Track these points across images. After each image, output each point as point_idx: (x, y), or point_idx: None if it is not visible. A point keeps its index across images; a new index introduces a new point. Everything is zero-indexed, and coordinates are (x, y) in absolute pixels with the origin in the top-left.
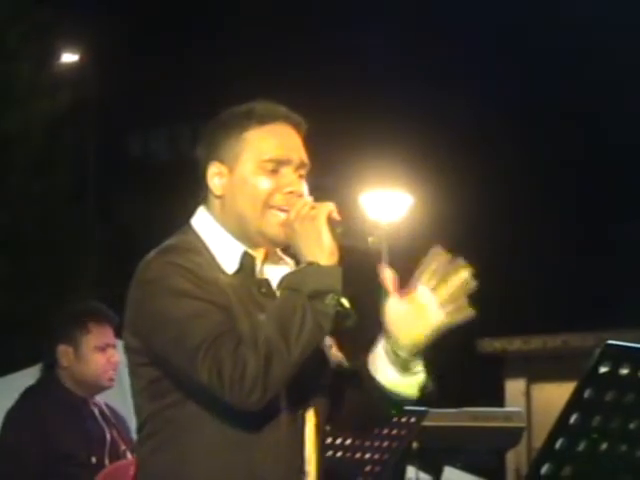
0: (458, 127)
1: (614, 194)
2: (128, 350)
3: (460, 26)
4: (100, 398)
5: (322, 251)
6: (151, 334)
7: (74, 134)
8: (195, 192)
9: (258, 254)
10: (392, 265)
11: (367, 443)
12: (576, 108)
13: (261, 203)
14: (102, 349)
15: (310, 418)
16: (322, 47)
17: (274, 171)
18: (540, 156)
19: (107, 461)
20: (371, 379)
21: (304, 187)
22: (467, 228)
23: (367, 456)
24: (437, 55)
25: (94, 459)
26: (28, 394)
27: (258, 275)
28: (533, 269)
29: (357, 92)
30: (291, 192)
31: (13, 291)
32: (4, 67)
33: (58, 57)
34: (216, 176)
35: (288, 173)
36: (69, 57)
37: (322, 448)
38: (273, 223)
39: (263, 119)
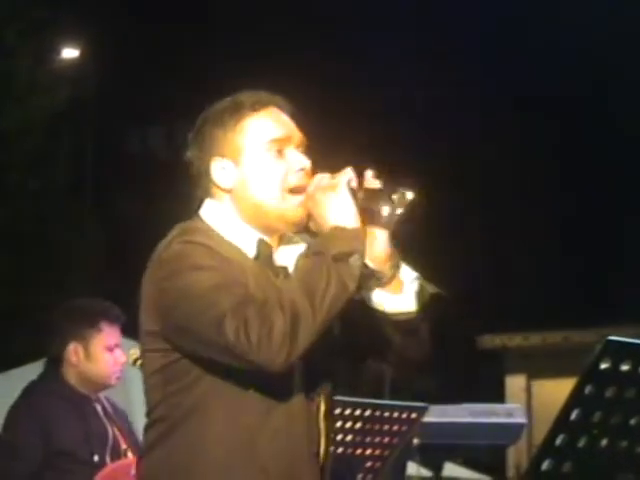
0: (459, 123)
1: (617, 191)
2: (144, 334)
3: (461, 20)
4: (102, 393)
5: (345, 215)
6: (172, 308)
7: (73, 131)
8: (192, 190)
9: (272, 241)
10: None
11: (368, 439)
12: (580, 106)
13: (277, 187)
14: (111, 349)
15: (320, 403)
16: (321, 46)
17: (279, 152)
18: (543, 152)
19: (108, 459)
20: (369, 310)
21: (309, 162)
22: (468, 224)
23: (368, 452)
24: (441, 54)
25: (96, 457)
26: (30, 390)
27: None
28: (533, 265)
29: (359, 87)
30: (302, 169)
31: (12, 287)
32: (3, 63)
33: (57, 53)
34: (221, 171)
35: (293, 152)
36: (68, 53)
37: (331, 433)
38: (293, 205)
39: (255, 106)
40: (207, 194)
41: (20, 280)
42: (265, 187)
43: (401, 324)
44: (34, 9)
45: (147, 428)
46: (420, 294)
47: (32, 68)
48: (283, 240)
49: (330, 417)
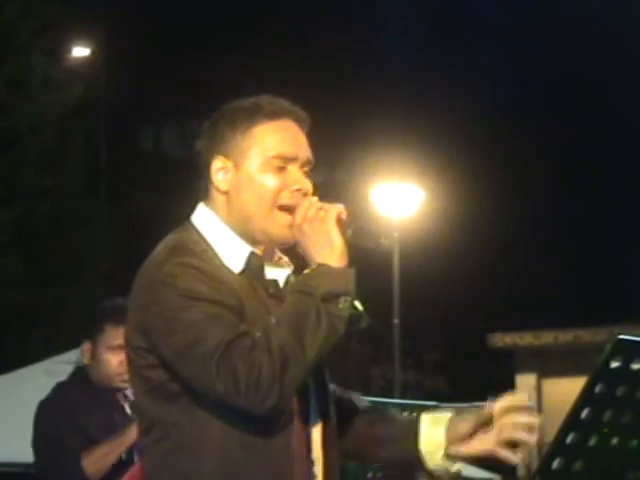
0: (471, 121)
1: (627, 189)
2: (134, 350)
3: (474, 22)
4: None
5: (333, 253)
6: (162, 337)
7: (86, 129)
8: (195, 182)
9: (259, 253)
10: (404, 258)
11: None
12: (588, 105)
13: (268, 202)
14: (113, 350)
15: (319, 422)
16: (337, 43)
17: (281, 168)
18: (553, 151)
19: (136, 457)
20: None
21: (309, 185)
22: (479, 222)
23: None
24: (451, 51)
25: (123, 454)
26: (59, 388)
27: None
28: (544, 265)
29: (370, 87)
30: (298, 189)
31: (26, 284)
32: (16, 62)
33: (69, 51)
34: (221, 171)
35: (294, 170)
36: (80, 51)
37: (336, 453)
38: (279, 224)
39: (271, 115)
40: (204, 195)
41: (35, 277)
42: (254, 198)
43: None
44: (47, 7)
45: (147, 449)
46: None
47: (44, 67)
48: (271, 257)
49: (330, 443)
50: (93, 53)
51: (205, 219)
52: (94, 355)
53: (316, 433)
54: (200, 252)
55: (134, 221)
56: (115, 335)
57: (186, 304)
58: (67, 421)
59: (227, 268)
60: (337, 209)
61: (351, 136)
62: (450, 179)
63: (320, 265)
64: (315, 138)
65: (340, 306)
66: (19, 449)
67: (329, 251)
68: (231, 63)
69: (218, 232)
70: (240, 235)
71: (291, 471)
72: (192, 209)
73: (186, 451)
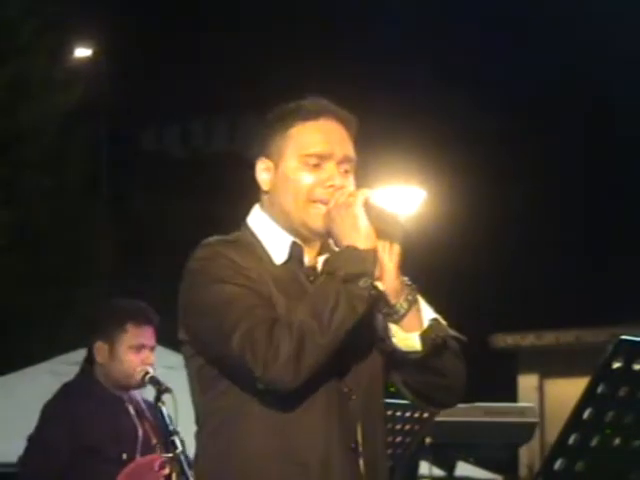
0: (472, 122)
1: (627, 189)
2: (180, 342)
3: (475, 22)
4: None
5: (359, 235)
6: (196, 323)
7: (87, 129)
8: (214, 189)
9: (313, 247)
10: (405, 260)
11: None
12: (590, 104)
13: (303, 198)
14: (137, 349)
15: (356, 397)
16: (336, 45)
17: (316, 165)
18: (555, 152)
19: (139, 457)
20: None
21: (350, 181)
22: (480, 223)
23: None
24: (453, 51)
25: (125, 455)
26: (65, 389)
27: (308, 265)
28: (546, 264)
29: (369, 86)
30: (332, 186)
31: (27, 287)
32: (17, 62)
33: (71, 52)
34: (264, 172)
35: (330, 168)
36: (82, 52)
37: (380, 425)
38: (315, 216)
39: (308, 115)
40: (258, 195)
41: (35, 279)
42: (291, 195)
43: (410, 361)
44: (49, 7)
45: (196, 434)
46: (428, 336)
47: (46, 67)
48: (328, 250)
49: (368, 412)
50: (95, 54)
51: (256, 218)
52: (112, 354)
53: (353, 406)
54: (234, 242)
55: (135, 221)
56: (137, 334)
57: (212, 289)
58: (65, 430)
59: (270, 260)
60: (364, 193)
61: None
62: (451, 179)
63: (345, 247)
64: None
65: (361, 285)
66: (21, 449)
67: (355, 233)
68: (232, 63)
69: (266, 228)
70: (285, 230)
71: (329, 450)
72: (196, 209)
73: (225, 434)
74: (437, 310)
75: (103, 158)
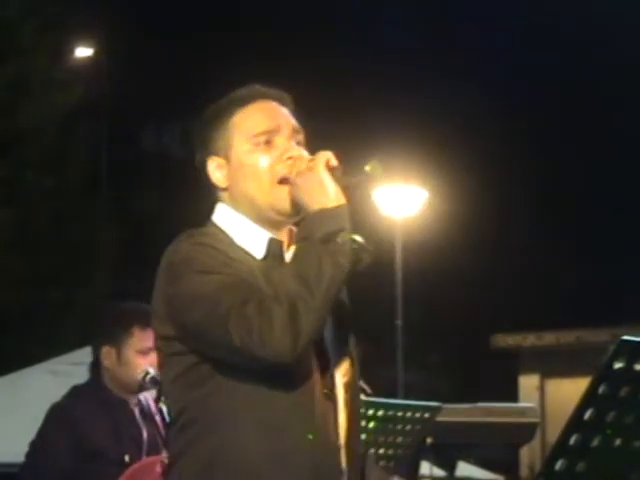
0: (474, 122)
1: (627, 189)
2: (161, 339)
3: (477, 23)
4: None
5: (327, 196)
6: (183, 313)
7: (88, 129)
8: (207, 191)
9: (282, 238)
10: (406, 258)
11: (381, 438)
12: (592, 105)
13: (267, 180)
14: (144, 353)
15: (341, 393)
16: (336, 43)
17: (268, 143)
18: (557, 152)
19: (142, 455)
20: None
21: (304, 153)
22: (482, 223)
23: (381, 451)
24: (454, 51)
25: (127, 457)
26: (72, 392)
27: (286, 259)
28: (547, 265)
29: (371, 87)
30: (290, 157)
31: (28, 287)
32: (18, 62)
33: (72, 52)
34: (216, 170)
35: (282, 141)
36: (83, 52)
37: (358, 422)
38: (282, 197)
39: (244, 101)
40: (215, 198)
41: (36, 279)
42: (252, 181)
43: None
44: (49, 7)
45: (176, 434)
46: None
47: (47, 67)
48: (294, 238)
49: (353, 405)
50: (96, 53)
51: (223, 214)
52: (119, 359)
53: (338, 379)
54: (214, 236)
55: (135, 221)
56: (144, 338)
57: (200, 279)
58: (67, 434)
59: (250, 255)
60: (325, 155)
61: (353, 137)
62: (453, 180)
63: (315, 210)
64: (316, 139)
65: (339, 242)
66: (22, 449)
67: (324, 196)
68: (233, 64)
69: (237, 224)
70: (256, 222)
71: (323, 448)
72: (196, 208)
73: (213, 436)
74: (438, 310)
75: (103, 158)
